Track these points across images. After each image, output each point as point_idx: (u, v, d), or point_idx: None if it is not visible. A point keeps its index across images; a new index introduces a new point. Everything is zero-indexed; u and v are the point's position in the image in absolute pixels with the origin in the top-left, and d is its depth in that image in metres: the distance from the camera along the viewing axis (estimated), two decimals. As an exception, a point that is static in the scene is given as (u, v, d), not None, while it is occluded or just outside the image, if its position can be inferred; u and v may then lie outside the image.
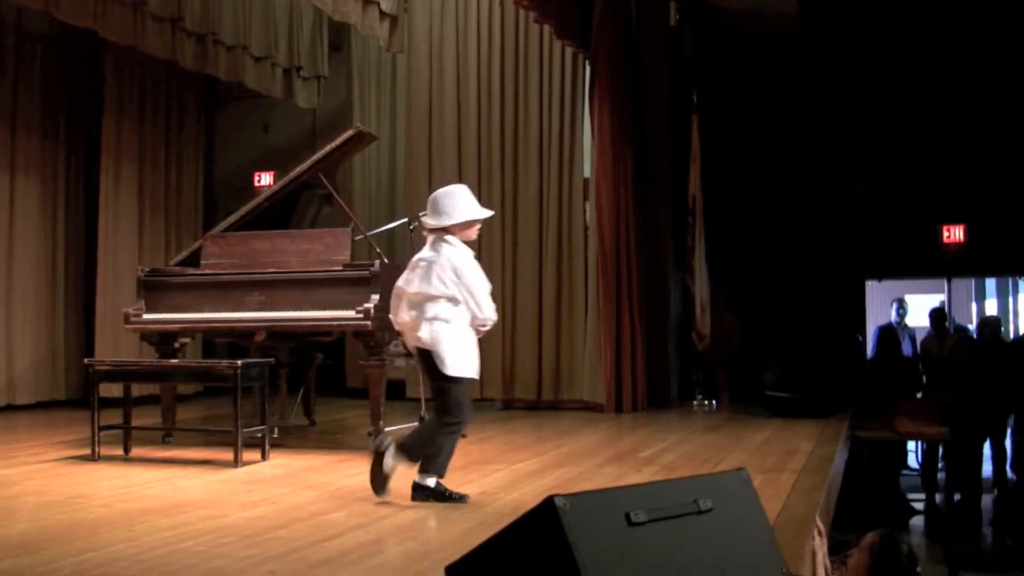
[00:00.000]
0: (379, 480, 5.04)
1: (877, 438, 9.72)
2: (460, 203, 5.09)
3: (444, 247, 5.05)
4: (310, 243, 7.26)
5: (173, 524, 4.57)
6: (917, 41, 12.23)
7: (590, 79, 9.93)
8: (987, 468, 10.76)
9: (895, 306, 11.85)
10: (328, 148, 7.53)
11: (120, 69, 10.79)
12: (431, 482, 5.02)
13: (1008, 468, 10.65)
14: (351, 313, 6.73)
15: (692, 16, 11.13)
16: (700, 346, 10.49)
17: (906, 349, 11.48)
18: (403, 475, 5.10)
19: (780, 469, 6.14)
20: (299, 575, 3.72)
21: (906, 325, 11.81)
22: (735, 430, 8.37)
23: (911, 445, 11.42)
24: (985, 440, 10.56)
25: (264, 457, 6.49)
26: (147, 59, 10.35)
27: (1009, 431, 10.67)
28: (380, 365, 6.90)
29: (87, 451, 6.59)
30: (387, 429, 6.84)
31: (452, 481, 5.15)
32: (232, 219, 7.76)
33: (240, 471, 6.15)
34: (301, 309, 6.93)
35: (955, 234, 12.66)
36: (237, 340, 8.17)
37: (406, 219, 8.02)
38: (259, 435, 6.52)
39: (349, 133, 7.62)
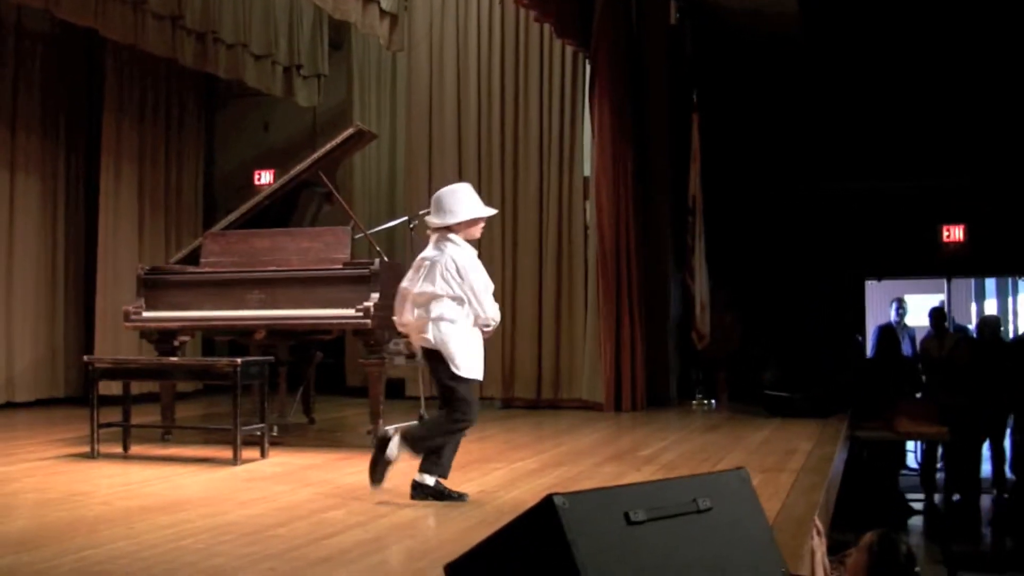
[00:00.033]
0: (379, 468, 5.03)
1: (876, 438, 9.72)
2: (463, 201, 5.09)
3: (447, 246, 5.04)
4: (310, 241, 7.26)
5: (173, 522, 4.58)
6: (916, 41, 12.24)
7: (590, 78, 9.93)
8: (986, 468, 10.77)
9: (894, 306, 11.85)
10: (328, 146, 7.53)
11: (120, 67, 10.79)
12: (431, 480, 5.02)
13: (1007, 468, 10.66)
14: (351, 311, 6.73)
15: (692, 15, 11.14)
16: (700, 345, 10.49)
17: (905, 349, 11.48)
18: (403, 473, 5.10)
19: (779, 469, 6.14)
20: (298, 573, 3.72)
21: (905, 325, 11.81)
22: (734, 429, 8.37)
23: (910, 445, 11.42)
24: (984, 440, 10.57)
25: (263, 455, 6.49)
26: (147, 57, 10.35)
27: (1008, 431, 10.67)
28: (380, 363, 6.91)
29: (87, 449, 6.60)
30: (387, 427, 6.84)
31: (451, 480, 5.14)
32: (232, 217, 7.76)
33: (239, 469, 6.15)
34: (301, 307, 6.93)
35: (955, 234, 12.67)
36: (237, 338, 8.18)
37: (406, 217, 8.02)
38: (258, 433, 6.52)
39: (349, 131, 7.63)
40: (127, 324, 7.41)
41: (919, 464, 11.25)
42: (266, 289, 7.04)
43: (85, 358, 7.23)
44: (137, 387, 8.09)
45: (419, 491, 5.02)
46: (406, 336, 5.34)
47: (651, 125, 10.55)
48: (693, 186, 10.63)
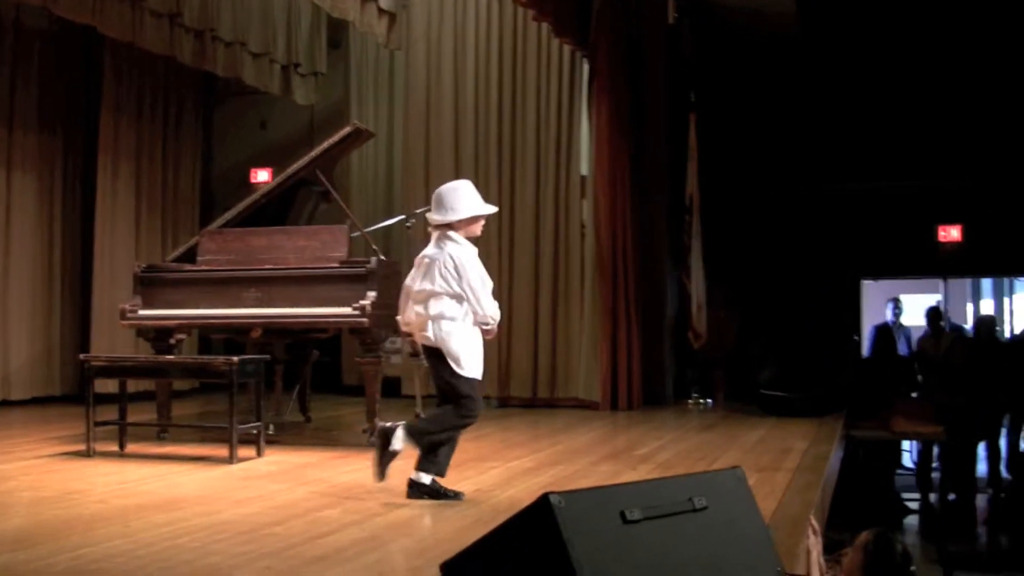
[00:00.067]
0: (384, 460, 4.99)
1: (872, 437, 9.72)
2: (464, 199, 5.08)
3: (447, 243, 5.04)
4: (307, 240, 7.26)
5: (169, 520, 4.57)
6: (914, 41, 12.24)
7: (588, 77, 9.93)
8: (982, 468, 10.78)
9: (891, 306, 11.85)
10: (325, 145, 7.53)
11: (118, 65, 10.77)
12: (427, 479, 5.02)
13: (1003, 468, 10.68)
14: (347, 310, 6.73)
15: (690, 14, 11.14)
16: (696, 344, 10.50)
17: (902, 349, 11.49)
18: (399, 472, 5.10)
19: (775, 468, 6.15)
20: (294, 571, 3.72)
21: (902, 324, 11.82)
22: (730, 429, 8.38)
23: (906, 444, 11.43)
24: (980, 440, 10.58)
25: (260, 454, 6.49)
26: (145, 55, 10.33)
27: (1004, 431, 10.69)
28: (376, 362, 6.91)
29: (82, 447, 6.59)
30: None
31: (448, 478, 5.14)
32: (229, 215, 7.75)
33: (236, 467, 6.15)
34: (298, 306, 6.93)
35: (951, 234, 12.68)
36: (233, 336, 8.17)
37: (403, 216, 8.02)
38: (255, 432, 6.52)
39: (347, 130, 7.63)
40: (123, 322, 7.40)
41: (915, 463, 11.25)
42: (263, 287, 7.03)
43: (81, 356, 7.22)
44: (133, 385, 8.09)
45: (415, 490, 5.02)
46: (410, 335, 5.33)
47: (649, 124, 10.55)
48: (690, 185, 10.64)
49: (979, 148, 12.21)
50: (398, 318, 5.31)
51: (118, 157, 10.75)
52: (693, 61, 11.34)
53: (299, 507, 4.92)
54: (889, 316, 11.78)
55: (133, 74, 10.97)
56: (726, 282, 11.38)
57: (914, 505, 10.67)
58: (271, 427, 7.36)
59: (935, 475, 10.81)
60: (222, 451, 6.35)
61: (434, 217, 5.09)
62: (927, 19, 12.07)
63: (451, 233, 5.05)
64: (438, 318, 4.98)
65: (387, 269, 6.98)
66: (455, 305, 4.98)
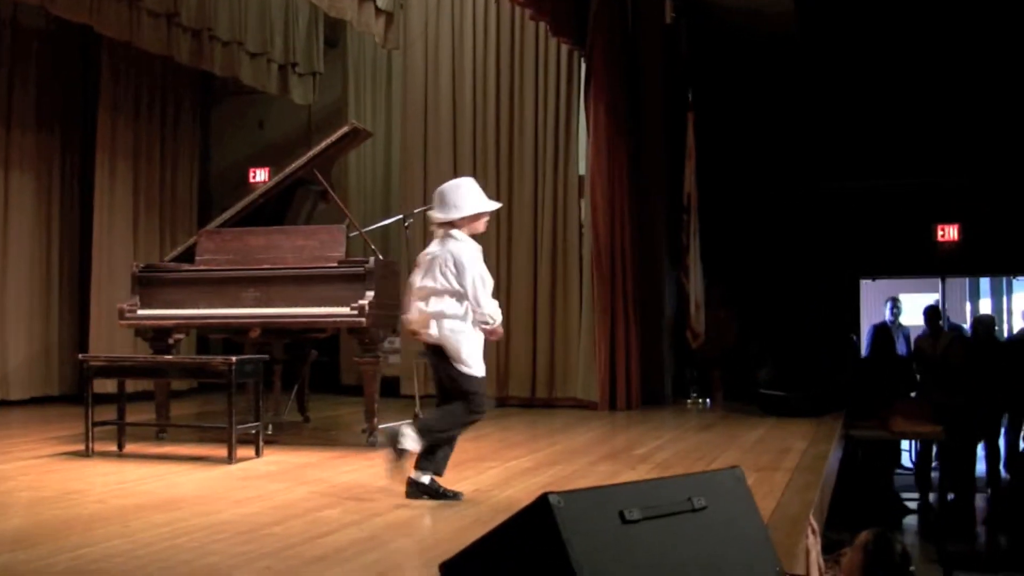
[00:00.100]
0: (401, 462, 4.95)
1: (871, 437, 9.73)
2: (466, 196, 5.08)
3: (449, 241, 5.04)
4: (305, 239, 7.26)
5: (168, 520, 4.57)
6: (913, 40, 12.25)
7: (585, 76, 9.93)
8: (981, 467, 10.78)
9: (889, 305, 11.85)
10: (323, 144, 7.53)
11: (116, 65, 10.76)
12: (426, 479, 5.02)
13: (1002, 467, 10.67)
14: (346, 310, 6.73)
15: (688, 13, 11.13)
16: (695, 344, 10.50)
17: (900, 348, 11.49)
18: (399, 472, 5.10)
19: (774, 467, 6.15)
20: (294, 571, 3.72)
21: (900, 324, 11.81)
22: (729, 428, 8.38)
23: (905, 444, 11.42)
24: (979, 439, 10.57)
25: (258, 454, 6.49)
26: (143, 55, 10.32)
27: (1003, 430, 10.68)
28: (374, 362, 6.91)
29: (81, 447, 6.59)
30: (381, 426, 6.84)
31: (446, 478, 5.15)
32: (227, 215, 7.75)
33: (234, 467, 6.15)
34: (296, 305, 6.92)
35: (949, 233, 12.68)
36: (232, 336, 8.17)
37: (401, 215, 8.01)
38: (253, 431, 6.51)
39: (344, 129, 7.62)
40: (122, 322, 7.39)
41: (914, 463, 11.25)
42: (261, 287, 7.03)
43: (80, 356, 7.22)
44: (132, 385, 8.09)
45: (414, 489, 5.02)
46: (413, 332, 5.31)
47: (646, 123, 10.55)
48: (688, 184, 10.64)
49: (977, 146, 12.22)
50: (402, 316, 5.30)
51: (116, 156, 10.74)
52: (690, 60, 11.34)
53: (298, 507, 4.92)
54: (887, 316, 11.78)
55: (131, 73, 10.96)
56: (724, 281, 11.38)
57: (913, 505, 10.66)
58: (270, 427, 7.36)
59: (934, 475, 10.80)
60: (221, 451, 6.35)
61: (436, 215, 5.08)
62: (925, 18, 12.07)
63: (453, 231, 5.05)
64: (439, 316, 4.97)
65: (385, 269, 6.98)
66: (455, 303, 4.98)
